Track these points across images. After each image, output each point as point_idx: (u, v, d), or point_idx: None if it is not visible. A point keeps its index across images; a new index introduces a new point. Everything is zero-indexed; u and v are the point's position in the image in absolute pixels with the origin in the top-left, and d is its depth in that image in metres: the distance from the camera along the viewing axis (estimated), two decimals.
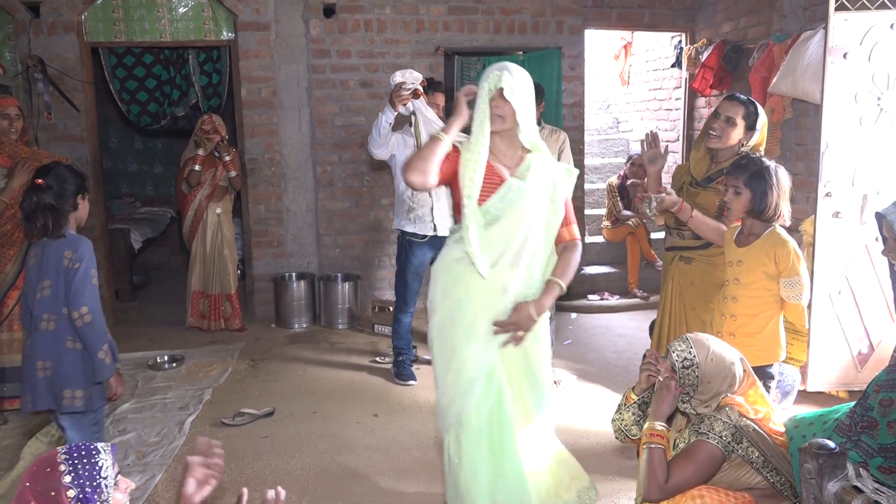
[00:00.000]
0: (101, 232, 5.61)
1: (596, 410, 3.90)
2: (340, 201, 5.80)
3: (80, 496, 1.46)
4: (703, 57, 5.75)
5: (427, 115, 4.09)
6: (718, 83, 5.70)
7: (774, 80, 4.56)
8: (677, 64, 6.53)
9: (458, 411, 2.40)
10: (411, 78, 3.96)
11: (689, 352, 2.17)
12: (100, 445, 1.56)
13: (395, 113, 3.97)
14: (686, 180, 3.16)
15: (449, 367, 2.43)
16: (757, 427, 2.12)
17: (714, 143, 2.99)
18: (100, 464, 1.51)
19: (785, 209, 2.73)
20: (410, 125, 4.18)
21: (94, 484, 1.49)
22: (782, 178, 2.72)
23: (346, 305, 5.56)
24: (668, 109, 7.02)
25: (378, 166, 5.55)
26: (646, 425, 2.20)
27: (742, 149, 2.97)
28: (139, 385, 4.33)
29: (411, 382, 4.31)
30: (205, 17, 5.47)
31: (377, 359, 4.78)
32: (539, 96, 4.30)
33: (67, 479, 1.47)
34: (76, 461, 1.49)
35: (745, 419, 2.11)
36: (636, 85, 7.74)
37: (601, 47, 8.12)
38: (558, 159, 4.38)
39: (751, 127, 2.95)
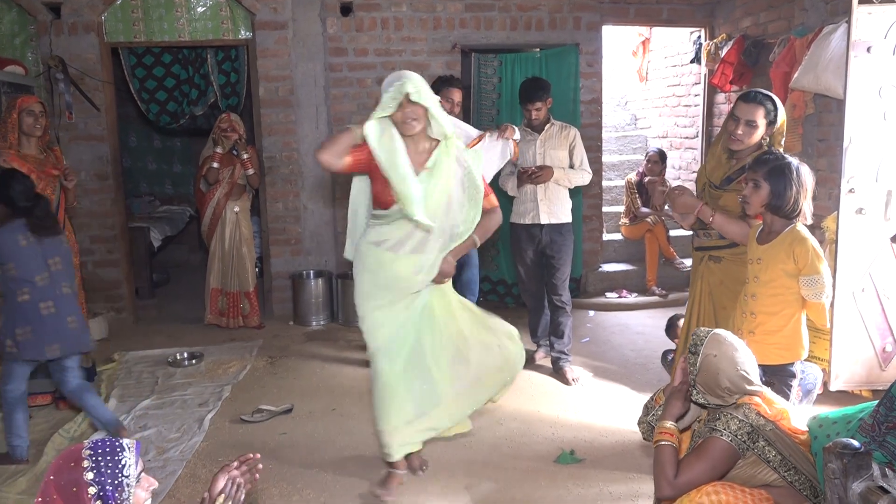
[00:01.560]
0: (122, 230, 5.67)
1: (616, 408, 3.88)
2: None
3: (101, 493, 1.47)
4: (723, 52, 5.69)
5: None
6: (738, 79, 5.63)
7: (796, 76, 4.50)
8: (696, 60, 6.46)
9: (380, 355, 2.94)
10: None
11: (702, 340, 2.19)
12: (125, 442, 1.57)
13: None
14: (706, 182, 3.14)
15: (367, 328, 2.97)
16: (775, 426, 2.10)
17: (737, 145, 2.96)
18: (123, 461, 1.52)
19: (806, 207, 2.71)
20: None
21: (116, 482, 1.50)
22: (804, 176, 2.68)
23: None
24: (686, 105, 6.96)
25: None
26: (657, 424, 2.22)
27: (763, 142, 2.95)
28: (159, 382, 4.37)
29: None
30: (223, 16, 5.50)
31: None
32: (546, 92, 4.28)
33: (90, 475, 1.48)
34: (99, 457, 1.50)
35: (762, 418, 2.10)
36: (654, 81, 7.68)
37: (619, 43, 8.07)
38: (570, 156, 4.34)
39: (771, 123, 2.93)
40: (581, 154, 4.34)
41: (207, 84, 6.04)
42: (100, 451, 1.51)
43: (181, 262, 8.04)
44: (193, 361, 4.71)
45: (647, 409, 2.44)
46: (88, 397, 3.46)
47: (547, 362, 4.57)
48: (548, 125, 4.34)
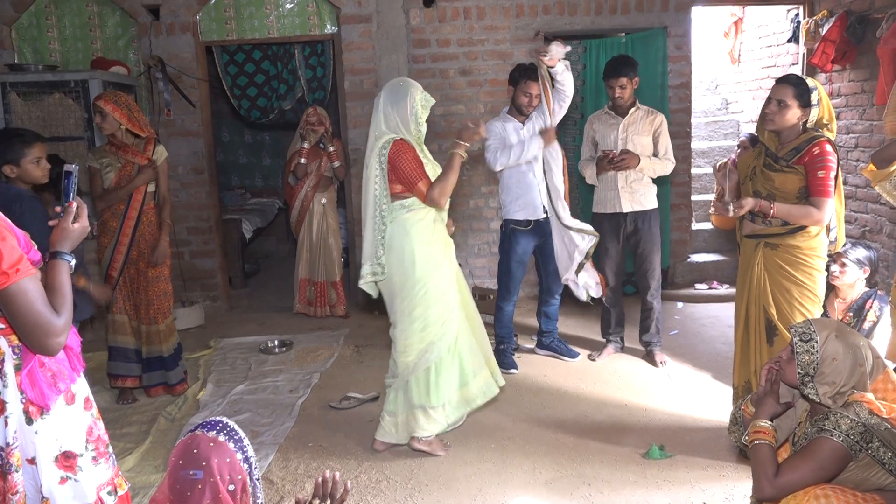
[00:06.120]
0: (216, 222, 5.91)
1: (707, 403, 3.76)
2: None
3: (245, 457, 1.71)
4: (824, 30, 5.37)
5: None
6: (841, 58, 5.30)
7: None
8: (794, 39, 6.14)
9: (441, 345, 3.16)
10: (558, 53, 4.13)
11: (809, 328, 2.09)
12: (227, 421, 1.75)
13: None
14: (757, 163, 3.07)
15: (436, 310, 3.15)
16: (891, 426, 1.97)
17: (769, 125, 3.00)
18: (240, 435, 1.73)
19: None
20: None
21: (247, 453, 1.72)
22: None
23: None
24: None
25: (477, 156, 5.54)
26: (751, 424, 2.14)
27: (806, 126, 2.95)
28: (252, 368, 4.54)
29: (513, 371, 4.29)
30: (309, 12, 5.63)
31: None
32: (632, 69, 4.13)
33: (231, 444, 1.69)
34: (230, 432, 1.71)
35: (876, 417, 1.97)
36: (747, 63, 7.34)
37: (709, 24, 7.75)
38: (654, 143, 4.20)
39: (805, 105, 2.92)
40: (666, 142, 4.19)
41: (295, 79, 6.21)
42: (219, 426, 1.71)
43: (270, 253, 8.33)
44: (284, 349, 4.87)
45: (736, 418, 2.35)
46: None
47: (614, 360, 4.48)
48: (632, 109, 4.20)
